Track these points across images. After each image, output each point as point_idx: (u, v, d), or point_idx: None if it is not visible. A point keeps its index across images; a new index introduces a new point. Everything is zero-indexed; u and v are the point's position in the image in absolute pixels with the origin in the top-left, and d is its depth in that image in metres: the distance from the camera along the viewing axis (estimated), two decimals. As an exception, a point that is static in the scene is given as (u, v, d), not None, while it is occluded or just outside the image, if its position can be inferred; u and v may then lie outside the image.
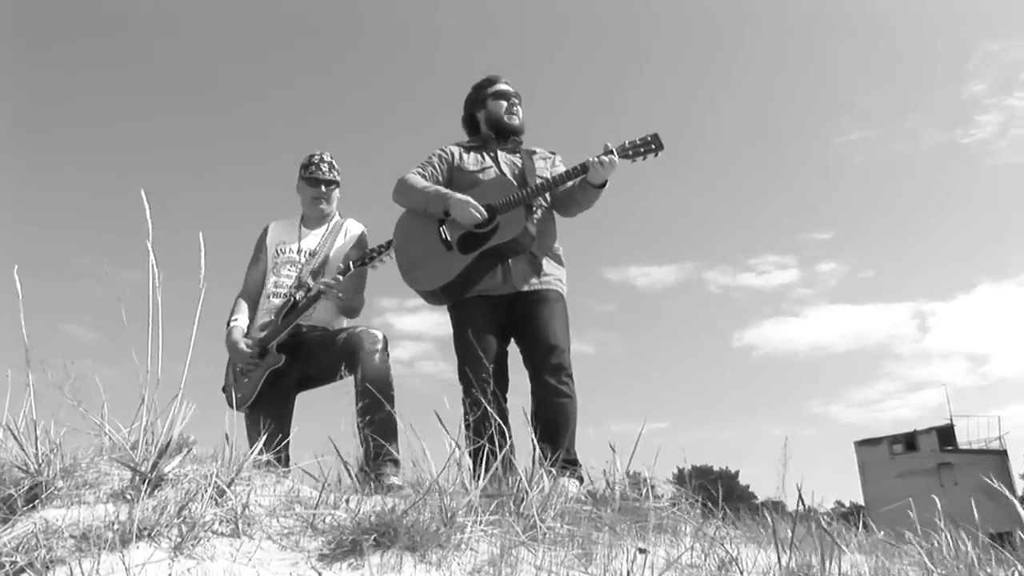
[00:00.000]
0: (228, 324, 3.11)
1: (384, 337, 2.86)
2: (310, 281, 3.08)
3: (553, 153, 3.23)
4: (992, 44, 70.39)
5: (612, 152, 2.88)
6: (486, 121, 3.17)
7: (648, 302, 70.15)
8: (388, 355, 2.83)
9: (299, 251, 3.18)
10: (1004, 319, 58.80)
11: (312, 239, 3.22)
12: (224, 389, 3.12)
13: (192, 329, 1.90)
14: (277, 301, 3.09)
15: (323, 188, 3.20)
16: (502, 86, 3.18)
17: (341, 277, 2.99)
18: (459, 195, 2.89)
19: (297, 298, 3.03)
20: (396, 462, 2.58)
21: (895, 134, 70.11)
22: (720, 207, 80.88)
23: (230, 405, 3.01)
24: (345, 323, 3.18)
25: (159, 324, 1.84)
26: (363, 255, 3.06)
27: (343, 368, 2.75)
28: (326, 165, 3.22)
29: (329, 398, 3.08)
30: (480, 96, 3.20)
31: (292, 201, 3.34)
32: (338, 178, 3.26)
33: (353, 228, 3.28)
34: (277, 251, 3.20)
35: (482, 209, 2.85)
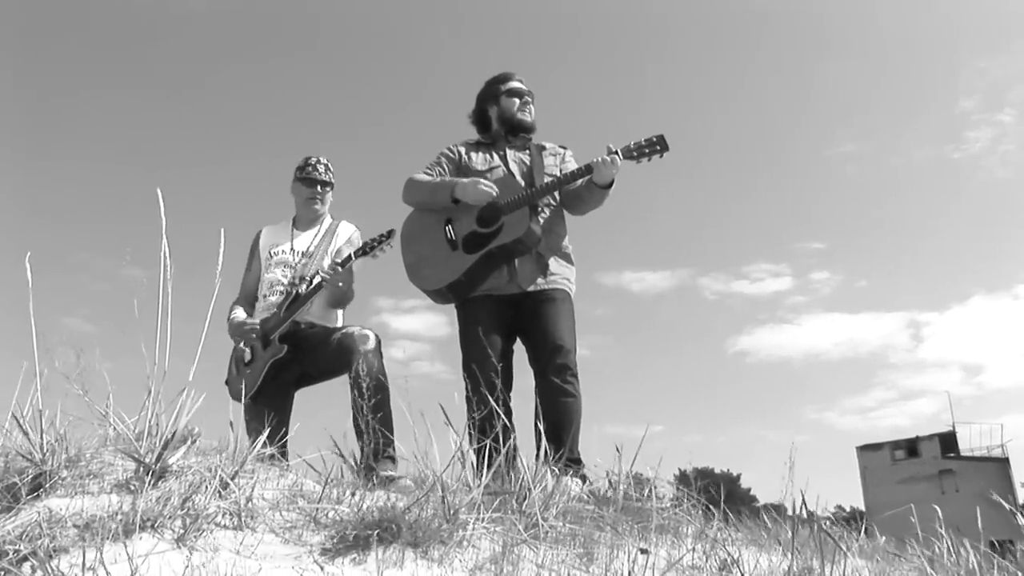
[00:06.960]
0: (228, 319, 3.18)
1: (378, 337, 2.89)
2: (309, 276, 3.12)
3: (564, 148, 3.21)
4: (981, 61, 70.32)
5: (616, 152, 2.87)
6: (498, 118, 3.16)
7: (643, 307, 70.07)
8: (382, 355, 2.87)
9: (292, 251, 3.23)
10: (999, 330, 58.74)
11: (304, 240, 3.27)
12: (227, 382, 3.16)
13: (204, 322, 1.92)
14: (274, 298, 3.13)
15: (319, 188, 3.28)
16: (516, 83, 3.17)
17: (341, 268, 3.00)
18: (465, 179, 2.91)
19: (300, 291, 3.06)
20: (394, 459, 2.59)
21: (888, 147, 70.09)
22: (714, 215, 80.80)
23: (233, 397, 3.04)
24: (340, 321, 3.21)
25: (168, 317, 1.85)
26: (364, 245, 3.06)
27: (337, 367, 2.82)
28: (322, 167, 3.31)
29: (327, 395, 3.11)
30: (493, 92, 3.18)
31: (289, 203, 3.40)
32: (333, 180, 3.34)
33: (346, 230, 3.33)
34: (270, 253, 3.25)
35: (492, 185, 2.86)
